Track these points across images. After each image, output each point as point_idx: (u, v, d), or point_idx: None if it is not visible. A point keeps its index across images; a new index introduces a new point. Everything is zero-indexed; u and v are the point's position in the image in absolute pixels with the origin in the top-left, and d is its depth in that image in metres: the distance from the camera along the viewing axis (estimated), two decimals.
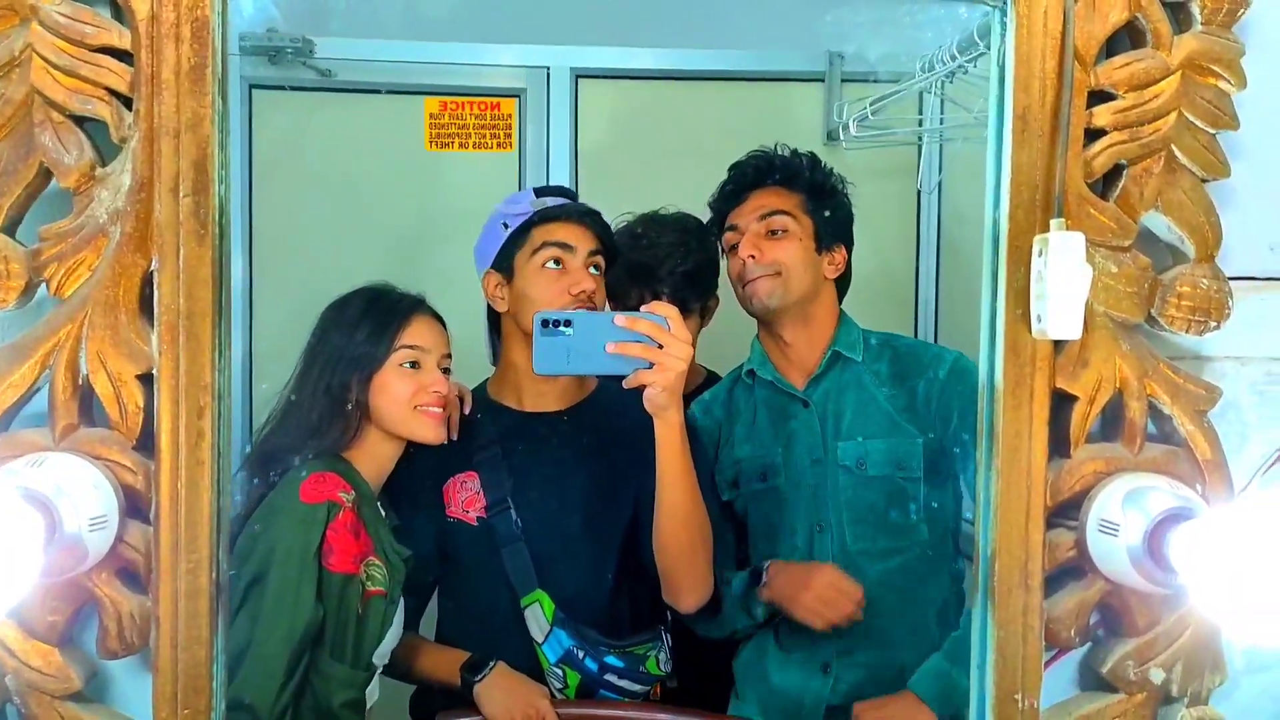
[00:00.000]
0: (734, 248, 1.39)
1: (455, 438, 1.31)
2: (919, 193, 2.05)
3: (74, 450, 0.85)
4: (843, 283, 1.43)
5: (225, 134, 0.87)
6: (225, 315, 0.88)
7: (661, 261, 1.54)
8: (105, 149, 0.87)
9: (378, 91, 2.05)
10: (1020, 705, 0.92)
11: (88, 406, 0.87)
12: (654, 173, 2.09)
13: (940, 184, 2.01)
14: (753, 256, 1.36)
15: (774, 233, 1.36)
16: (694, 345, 1.61)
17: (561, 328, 1.11)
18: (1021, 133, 0.91)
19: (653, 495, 1.26)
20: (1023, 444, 0.92)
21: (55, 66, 0.85)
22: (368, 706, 1.18)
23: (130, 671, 0.91)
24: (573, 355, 1.11)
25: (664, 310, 1.13)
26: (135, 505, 0.87)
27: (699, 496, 1.26)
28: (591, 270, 1.34)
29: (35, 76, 0.85)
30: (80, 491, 0.82)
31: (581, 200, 1.41)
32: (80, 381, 0.86)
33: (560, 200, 1.37)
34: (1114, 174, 0.95)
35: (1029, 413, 0.92)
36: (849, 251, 1.42)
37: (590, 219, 1.35)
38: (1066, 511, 0.95)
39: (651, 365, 1.12)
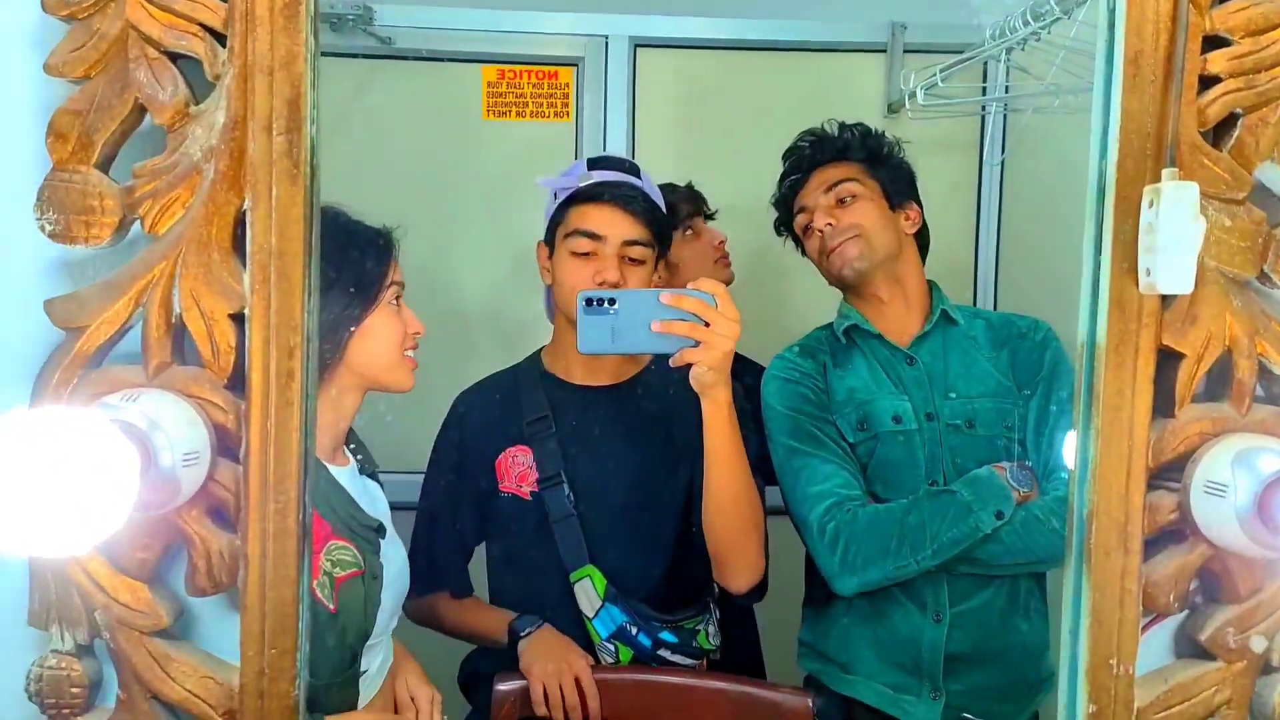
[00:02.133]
0: (807, 228, 1.41)
1: None
2: (980, 167, 2.01)
3: (167, 388, 0.85)
4: (923, 241, 1.43)
5: (317, 73, 0.87)
6: (316, 256, 0.87)
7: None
8: (198, 86, 0.86)
9: (436, 59, 2.05)
10: (1115, 671, 0.90)
11: (180, 344, 0.87)
12: (711, 144, 2.07)
13: (1004, 160, 1.98)
14: (830, 224, 1.37)
15: (843, 201, 1.38)
16: None
17: (606, 306, 1.09)
18: (1133, 78, 0.87)
19: (702, 472, 1.24)
20: (1125, 403, 0.89)
21: (150, 2, 0.84)
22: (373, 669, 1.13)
23: (218, 610, 0.91)
24: (617, 334, 1.10)
25: (711, 287, 1.11)
26: (226, 444, 0.87)
27: (749, 476, 1.24)
28: (629, 260, 1.31)
29: (130, 12, 0.84)
30: (174, 427, 0.82)
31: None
32: (173, 320, 0.86)
33: (609, 175, 1.34)
34: (1228, 123, 0.91)
35: (1133, 370, 0.89)
36: (921, 210, 1.43)
37: (635, 204, 1.32)
38: (1168, 473, 0.92)
39: (698, 343, 1.10)
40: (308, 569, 0.88)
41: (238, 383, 0.86)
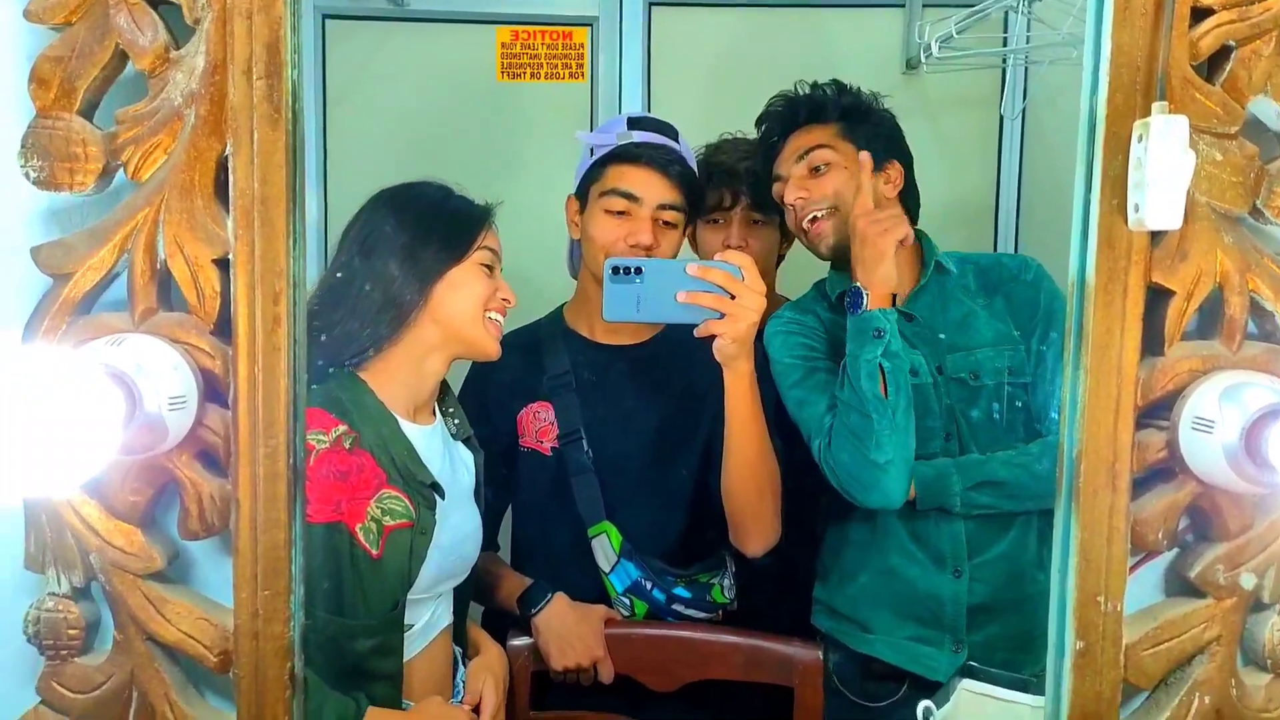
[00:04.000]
0: (783, 198, 1.35)
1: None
2: (1001, 120, 1.99)
3: (153, 333, 0.86)
4: (909, 199, 1.37)
5: (298, 16, 0.86)
6: (300, 201, 0.87)
7: (740, 161, 1.50)
8: (179, 31, 0.86)
9: (449, 21, 2.04)
10: (1103, 608, 0.90)
11: (166, 291, 0.88)
12: (728, 102, 2.04)
13: (1024, 111, 1.95)
14: (801, 198, 1.31)
15: (816, 170, 1.32)
16: (779, 258, 1.58)
17: (632, 275, 1.09)
18: (1124, 11, 0.86)
19: (720, 433, 1.25)
20: (1114, 341, 0.88)
21: None
22: (430, 632, 1.14)
23: (211, 553, 0.92)
24: (643, 303, 1.10)
25: (738, 259, 1.11)
26: (214, 389, 0.87)
27: (768, 444, 1.25)
28: (663, 223, 1.31)
29: None
30: (160, 372, 0.83)
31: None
32: (158, 265, 0.87)
33: (649, 136, 1.33)
34: (1221, 56, 0.89)
35: (1121, 308, 0.88)
36: (906, 166, 1.37)
37: (673, 168, 1.31)
38: (1157, 412, 0.91)
39: (723, 315, 1.10)
40: (300, 513, 0.89)
41: (224, 328, 0.87)
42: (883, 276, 1.24)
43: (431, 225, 1.14)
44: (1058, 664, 0.92)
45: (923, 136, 2.01)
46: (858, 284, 1.24)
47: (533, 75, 2.06)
